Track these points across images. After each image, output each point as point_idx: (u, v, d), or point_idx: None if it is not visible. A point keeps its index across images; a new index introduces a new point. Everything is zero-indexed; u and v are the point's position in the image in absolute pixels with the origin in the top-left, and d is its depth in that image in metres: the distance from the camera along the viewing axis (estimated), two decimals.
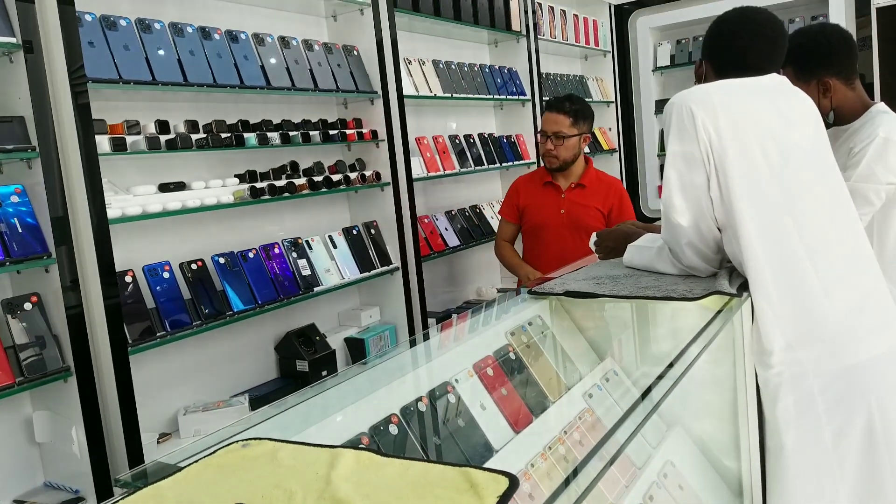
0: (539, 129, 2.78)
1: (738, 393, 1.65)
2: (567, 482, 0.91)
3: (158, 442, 1.92)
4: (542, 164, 2.86)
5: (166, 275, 1.96)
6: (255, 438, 0.99)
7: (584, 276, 1.86)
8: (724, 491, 1.74)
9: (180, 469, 0.90)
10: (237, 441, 0.98)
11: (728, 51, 1.63)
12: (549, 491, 0.87)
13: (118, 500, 0.82)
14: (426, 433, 1.27)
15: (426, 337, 1.72)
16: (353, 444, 1.07)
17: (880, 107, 1.93)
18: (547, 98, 3.86)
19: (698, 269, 1.63)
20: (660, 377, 1.15)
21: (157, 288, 1.92)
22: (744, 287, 1.56)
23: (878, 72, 3.33)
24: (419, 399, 1.29)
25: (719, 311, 1.46)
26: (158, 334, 1.87)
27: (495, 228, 3.17)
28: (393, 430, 1.19)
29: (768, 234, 1.48)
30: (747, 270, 1.50)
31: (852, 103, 1.93)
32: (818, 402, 1.45)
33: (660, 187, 4.98)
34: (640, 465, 1.61)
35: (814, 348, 1.46)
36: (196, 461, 0.92)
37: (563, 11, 4.12)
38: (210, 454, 0.94)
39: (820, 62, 1.91)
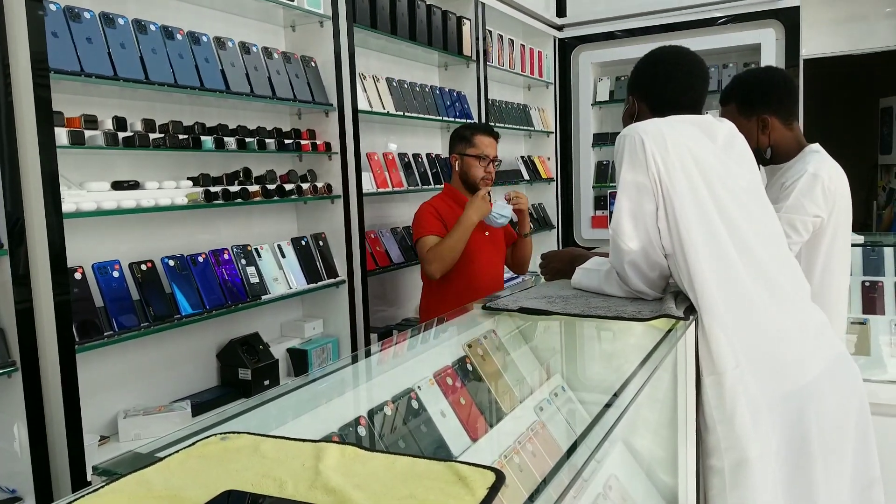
0: (479, 154, 2.80)
1: (678, 411, 1.74)
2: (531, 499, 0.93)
3: (99, 444, 1.85)
4: (449, 187, 2.92)
5: (116, 274, 1.91)
6: (233, 432, 0.99)
7: (535, 294, 1.92)
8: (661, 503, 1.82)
9: (160, 459, 0.90)
10: (215, 434, 0.98)
11: (665, 90, 1.70)
12: (508, 501, 0.90)
13: (100, 487, 0.81)
14: (392, 436, 1.29)
15: (383, 347, 1.74)
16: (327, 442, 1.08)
17: (813, 147, 2.08)
18: (492, 124, 3.98)
19: (644, 292, 1.71)
20: (608, 405, 1.19)
21: (106, 287, 1.87)
22: (689, 310, 1.65)
23: (803, 117, 3.60)
24: (385, 403, 1.31)
25: (667, 333, 1.55)
26: (106, 334, 1.81)
27: None
28: (361, 431, 1.21)
29: (716, 261, 1.57)
30: (697, 295, 1.57)
31: (789, 142, 2.08)
32: (767, 416, 1.55)
33: (594, 217, 5.18)
34: (587, 478, 1.67)
35: (760, 370, 1.56)
36: (175, 452, 0.91)
37: (511, 41, 4.26)
38: (188, 445, 0.94)
39: (761, 100, 2.05)
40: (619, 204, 1.64)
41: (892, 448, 2.54)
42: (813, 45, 4.22)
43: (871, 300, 2.97)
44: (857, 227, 2.14)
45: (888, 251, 3.06)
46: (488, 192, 2.72)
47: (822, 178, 1.95)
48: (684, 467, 1.72)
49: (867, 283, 3.00)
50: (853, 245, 2.18)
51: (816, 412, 1.57)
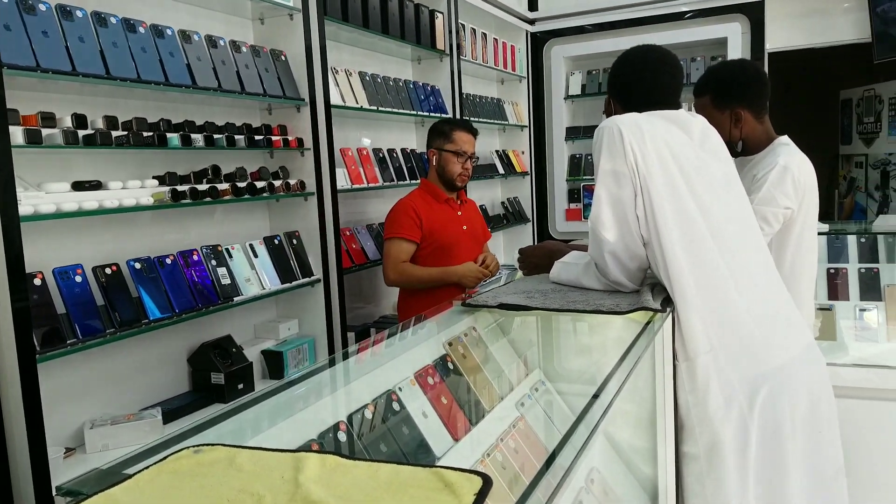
0: (457, 150, 2.82)
1: (657, 402, 1.73)
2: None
3: (64, 457, 1.77)
4: (426, 182, 2.92)
5: (78, 278, 1.83)
6: (206, 444, 0.94)
7: (513, 289, 1.90)
8: (642, 495, 1.81)
9: (129, 476, 0.84)
10: (187, 447, 0.93)
11: (635, 88, 1.74)
12: (492, 499, 0.87)
13: None
14: (374, 440, 1.25)
15: (361, 347, 1.70)
16: (306, 451, 1.03)
17: (783, 139, 2.10)
18: (467, 118, 3.94)
19: (622, 284, 1.70)
20: (592, 400, 1.17)
21: (68, 292, 1.79)
22: (666, 302, 1.65)
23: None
24: (365, 406, 1.27)
25: (646, 325, 1.53)
26: (69, 341, 1.73)
27: None
28: (342, 437, 1.17)
29: (691, 248, 1.58)
30: (672, 281, 1.58)
31: (759, 135, 2.10)
32: (742, 398, 1.56)
33: (568, 210, 5.18)
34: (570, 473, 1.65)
35: (732, 352, 1.57)
36: (145, 468, 0.86)
37: (484, 34, 4.23)
38: (159, 461, 0.89)
39: (735, 94, 2.06)
40: (598, 194, 1.64)
41: (855, 430, 2.59)
42: (777, 38, 4.28)
43: (836, 286, 3.03)
44: (820, 215, 2.20)
45: (851, 239, 3.13)
46: (484, 277, 2.78)
47: (792, 170, 1.97)
48: (664, 457, 1.71)
49: (832, 270, 3.07)
50: (819, 233, 2.21)
51: (790, 398, 1.59)
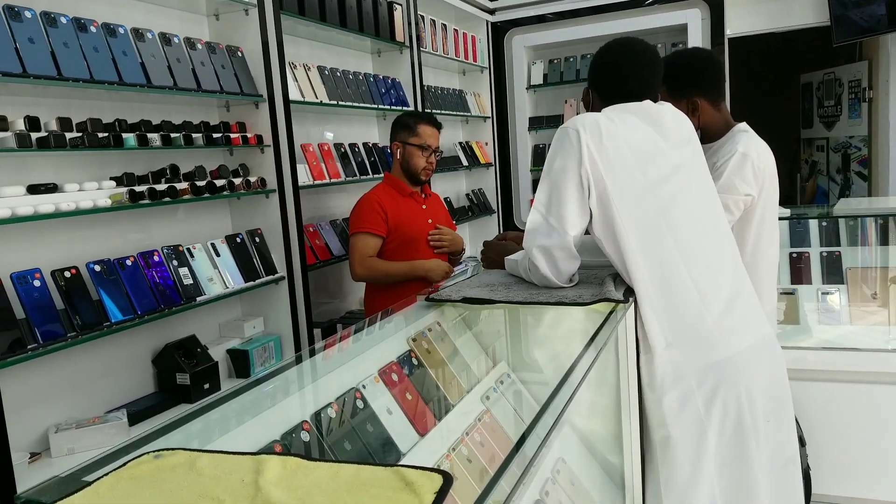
0: (421, 144, 2.82)
1: (620, 391, 1.77)
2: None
3: (29, 462, 1.75)
4: (389, 176, 2.92)
5: (37, 283, 1.80)
6: (166, 449, 0.94)
7: (477, 283, 1.92)
8: (609, 484, 1.85)
9: (88, 483, 0.84)
10: (148, 452, 0.93)
11: (611, 78, 1.77)
12: (457, 493, 0.89)
13: None
14: (338, 439, 1.26)
15: (326, 345, 1.70)
16: (268, 453, 1.04)
17: (741, 126, 2.13)
18: (429, 110, 3.94)
19: (549, 280, 1.69)
20: (555, 391, 1.19)
21: (27, 297, 1.76)
22: (629, 293, 1.68)
23: (729, 95, 3.69)
24: (329, 405, 1.28)
25: (609, 315, 1.56)
26: (29, 347, 1.71)
27: None
28: (305, 436, 1.18)
29: (648, 244, 1.60)
30: (631, 277, 1.61)
31: (717, 123, 2.12)
32: (697, 396, 1.59)
33: (532, 200, 5.21)
34: (536, 464, 1.68)
35: (689, 346, 1.60)
36: (105, 475, 0.86)
37: (444, 25, 4.22)
38: (119, 467, 0.89)
39: (690, 83, 2.08)
40: (539, 190, 1.69)
41: (819, 412, 2.66)
42: (736, 24, 4.34)
43: (799, 270, 3.08)
44: (782, 199, 2.22)
45: (813, 223, 3.17)
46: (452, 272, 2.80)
47: (751, 157, 2.00)
48: (629, 445, 1.75)
49: (794, 254, 3.11)
50: (780, 218, 2.25)
51: (747, 389, 1.62)
